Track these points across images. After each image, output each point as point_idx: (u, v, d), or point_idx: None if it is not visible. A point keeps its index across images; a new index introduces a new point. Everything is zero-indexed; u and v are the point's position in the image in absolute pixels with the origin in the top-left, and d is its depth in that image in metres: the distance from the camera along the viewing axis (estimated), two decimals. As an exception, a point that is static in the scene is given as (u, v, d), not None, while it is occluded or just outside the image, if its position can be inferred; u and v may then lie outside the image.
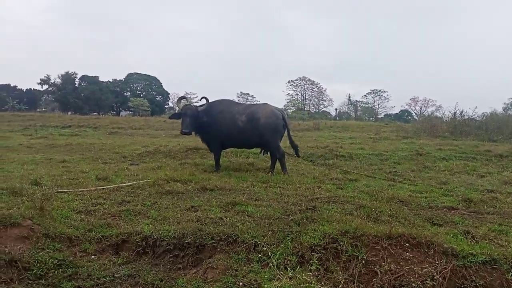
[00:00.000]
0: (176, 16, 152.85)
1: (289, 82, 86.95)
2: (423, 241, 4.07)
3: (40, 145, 15.01)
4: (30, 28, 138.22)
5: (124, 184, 7.00)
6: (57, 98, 68.01)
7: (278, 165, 9.09)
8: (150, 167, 9.35)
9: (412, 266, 3.84)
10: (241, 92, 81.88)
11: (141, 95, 75.14)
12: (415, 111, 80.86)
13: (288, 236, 4.45)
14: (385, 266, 3.87)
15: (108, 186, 6.80)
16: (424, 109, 77.55)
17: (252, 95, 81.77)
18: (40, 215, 4.83)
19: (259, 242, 4.32)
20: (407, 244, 4.09)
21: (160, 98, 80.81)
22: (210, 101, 9.17)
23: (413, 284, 3.66)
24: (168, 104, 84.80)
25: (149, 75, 79.99)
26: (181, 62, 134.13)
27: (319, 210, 5.35)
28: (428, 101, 77.11)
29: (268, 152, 9.31)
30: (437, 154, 13.02)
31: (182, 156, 11.88)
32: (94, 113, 61.47)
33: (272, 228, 4.65)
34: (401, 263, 3.92)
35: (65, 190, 6.33)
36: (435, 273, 3.76)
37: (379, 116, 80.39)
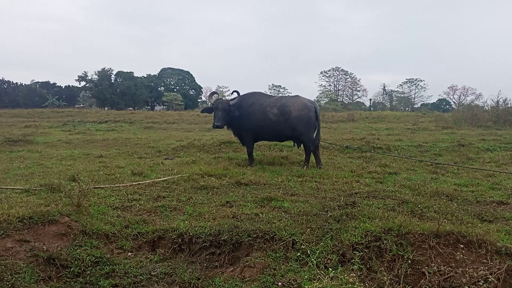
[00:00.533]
0: (210, 10, 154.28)
1: (321, 73, 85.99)
2: (474, 240, 3.79)
3: (78, 141, 15.35)
4: (68, 25, 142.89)
5: (159, 179, 6.99)
6: (94, 94, 69.79)
7: (312, 158, 8.88)
8: (185, 162, 9.33)
9: (463, 267, 3.58)
10: (272, 84, 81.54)
11: (175, 90, 76.08)
12: (454, 100, 78.10)
13: (328, 234, 4.26)
14: (434, 267, 3.63)
15: (143, 181, 6.80)
16: (463, 97, 74.83)
17: (284, 87, 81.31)
18: (77, 211, 4.85)
19: (297, 240, 4.17)
20: (456, 243, 3.82)
21: (193, 92, 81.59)
22: (241, 94, 9.07)
23: (465, 286, 3.40)
24: (201, 98, 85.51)
25: (182, 70, 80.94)
26: (214, 56, 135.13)
27: (359, 206, 5.12)
28: (468, 89, 74.26)
29: (302, 145, 9.10)
30: (480, 145, 12.43)
31: (216, 150, 11.84)
32: (130, 108, 62.67)
33: (310, 225, 4.48)
34: (451, 263, 3.67)
35: (102, 186, 6.36)
36: (488, 274, 3.49)
37: (416, 106, 78.18)
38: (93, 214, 4.95)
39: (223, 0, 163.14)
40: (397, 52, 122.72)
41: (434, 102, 79.23)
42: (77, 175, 7.02)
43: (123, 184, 6.58)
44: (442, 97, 79.51)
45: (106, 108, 60.16)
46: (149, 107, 74.40)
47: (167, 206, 5.47)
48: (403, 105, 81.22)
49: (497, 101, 22.98)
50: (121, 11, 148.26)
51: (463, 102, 69.87)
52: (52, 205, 4.99)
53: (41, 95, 71.77)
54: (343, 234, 4.18)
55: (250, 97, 9.12)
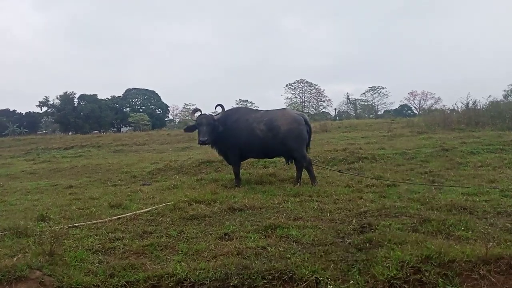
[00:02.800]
0: (172, 28, 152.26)
1: (287, 85, 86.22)
2: (531, 265, 3.26)
3: (43, 170, 14.25)
4: (26, 51, 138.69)
5: (142, 211, 6.21)
6: (57, 119, 67.43)
7: (304, 174, 8.31)
8: (165, 187, 8.56)
9: (525, 299, 3.04)
10: (239, 99, 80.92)
11: (141, 110, 74.56)
12: (414, 105, 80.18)
13: (354, 267, 3.64)
14: (490, 301, 3.07)
15: (124, 215, 5.99)
16: (423, 102, 76.83)
17: (251, 102, 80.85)
18: (51, 261, 4.02)
19: (321, 278, 3.51)
20: (509, 269, 3.28)
21: (160, 111, 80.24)
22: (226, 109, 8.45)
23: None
24: (168, 117, 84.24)
25: (147, 89, 79.57)
26: (179, 74, 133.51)
27: (377, 229, 4.54)
28: (427, 94, 76.34)
29: (293, 161, 8.52)
30: (464, 148, 12.19)
31: (196, 171, 11.09)
32: (95, 132, 60.79)
33: (330, 258, 3.84)
34: (509, 295, 3.12)
35: (77, 224, 5.53)
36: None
37: (379, 113, 79.50)
38: (70, 263, 4.13)
39: (186, 19, 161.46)
40: (357, 61, 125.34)
41: (396, 108, 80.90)
42: (46, 212, 6.16)
43: (101, 220, 5.76)
44: (404, 103, 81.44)
45: (70, 133, 58.16)
46: (115, 129, 72.51)
47: (156, 244, 4.71)
48: (367, 113, 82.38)
49: (467, 103, 23.19)
50: (79, 33, 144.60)
51: (423, 106, 71.74)
52: (20, 255, 4.16)
53: (1, 123, 68.76)
54: (373, 266, 3.57)
55: (235, 112, 8.51)
